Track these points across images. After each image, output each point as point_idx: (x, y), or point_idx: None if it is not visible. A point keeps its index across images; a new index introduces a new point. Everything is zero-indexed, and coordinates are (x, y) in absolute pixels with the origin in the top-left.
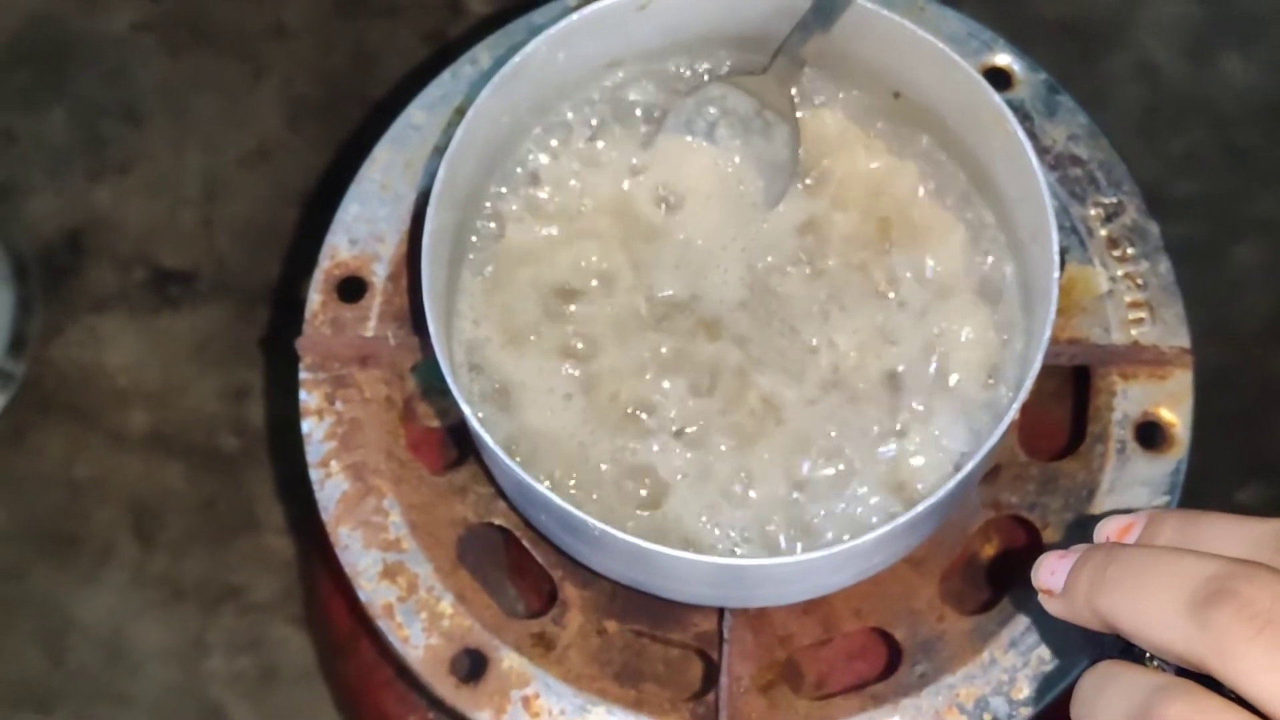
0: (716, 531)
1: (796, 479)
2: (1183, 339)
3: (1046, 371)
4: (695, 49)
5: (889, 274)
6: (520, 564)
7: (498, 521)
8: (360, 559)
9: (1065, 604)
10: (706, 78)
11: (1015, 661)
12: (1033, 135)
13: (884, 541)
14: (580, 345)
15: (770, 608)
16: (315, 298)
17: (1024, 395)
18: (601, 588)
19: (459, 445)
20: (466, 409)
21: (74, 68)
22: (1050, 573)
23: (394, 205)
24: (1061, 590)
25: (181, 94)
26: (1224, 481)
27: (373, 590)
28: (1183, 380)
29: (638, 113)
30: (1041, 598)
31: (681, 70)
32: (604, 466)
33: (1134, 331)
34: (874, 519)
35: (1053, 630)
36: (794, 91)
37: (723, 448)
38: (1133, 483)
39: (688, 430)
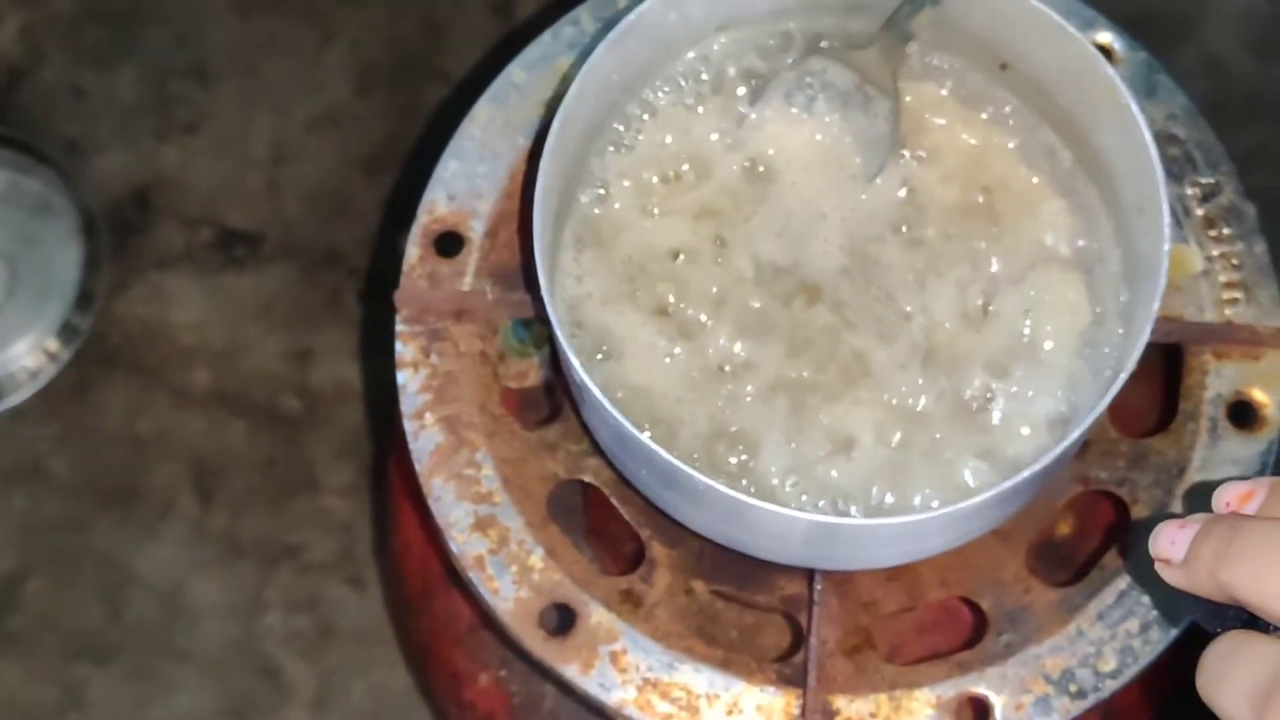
0: (805, 495)
1: (887, 443)
2: (1277, 319)
3: None
4: (803, 13)
5: (987, 244)
6: (601, 525)
7: (588, 478)
8: (452, 511)
9: (1186, 574)
10: (815, 44)
11: (1102, 634)
12: None
13: (981, 509)
14: (679, 305)
15: (857, 573)
16: (413, 251)
17: (1131, 367)
18: (689, 547)
19: (551, 403)
20: (574, 360)
21: (145, 26)
22: (1170, 542)
23: (493, 163)
24: (1183, 560)
25: (251, 56)
26: None
27: (464, 542)
28: (1277, 360)
29: (742, 79)
30: (1159, 567)
31: (791, 33)
32: (698, 424)
33: (1228, 311)
34: (965, 486)
35: (1153, 598)
36: (898, 66)
37: (816, 410)
38: (1223, 461)
39: (782, 392)
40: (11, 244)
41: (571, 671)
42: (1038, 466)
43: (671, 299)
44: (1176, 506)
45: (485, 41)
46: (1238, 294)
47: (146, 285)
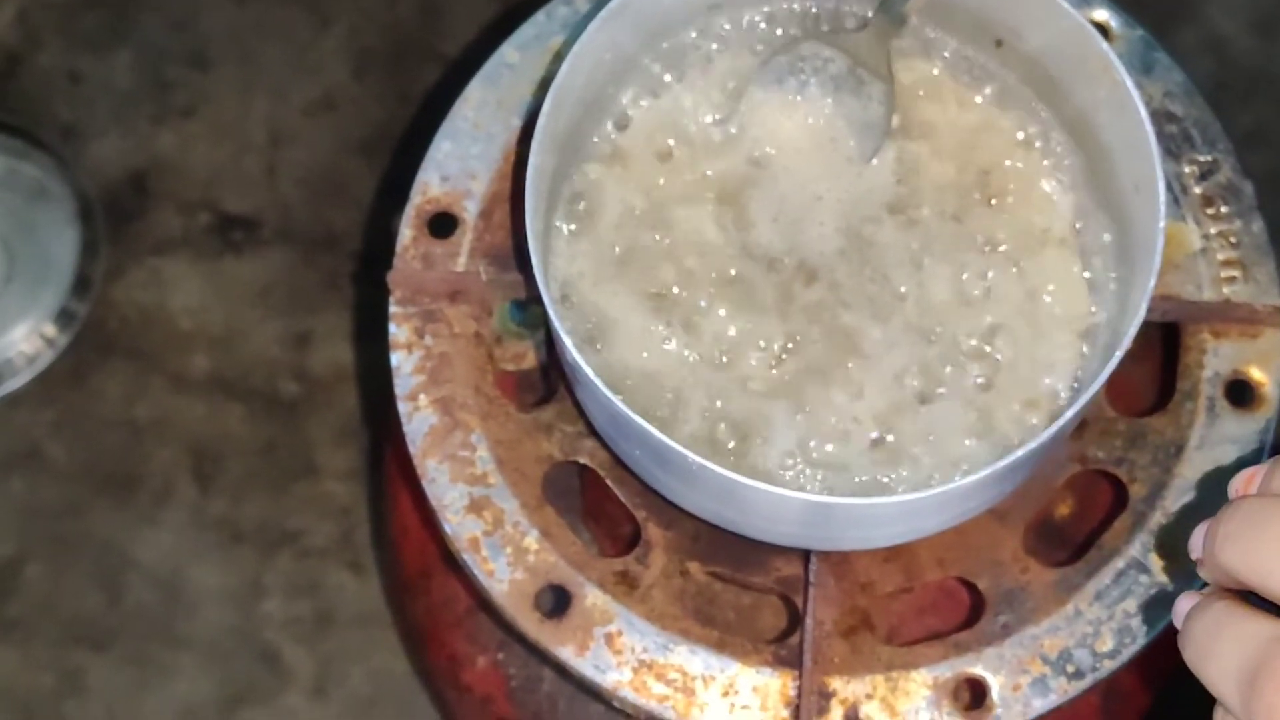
0: (804, 472)
1: (883, 422)
2: (1275, 298)
3: None
4: None
5: (982, 224)
6: (598, 507)
7: (583, 460)
8: (447, 492)
9: (1205, 568)
10: (807, 25)
11: (1100, 614)
12: None
13: (977, 488)
14: (673, 286)
15: (853, 554)
16: (406, 233)
17: (1127, 345)
18: (684, 529)
19: (546, 384)
20: (567, 340)
21: (141, 11)
22: (1196, 539)
23: (486, 143)
24: (1200, 554)
25: (248, 41)
26: None
27: (459, 523)
28: (1274, 339)
29: (735, 59)
30: (1197, 568)
31: (784, 12)
32: (692, 404)
33: (1226, 289)
34: (961, 465)
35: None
36: (891, 49)
37: (812, 391)
38: (1221, 440)
39: (777, 372)
40: (8, 229)
41: (567, 653)
42: (1033, 445)
43: (666, 280)
44: (1174, 485)
45: (482, 23)
46: (1235, 272)
47: (144, 270)
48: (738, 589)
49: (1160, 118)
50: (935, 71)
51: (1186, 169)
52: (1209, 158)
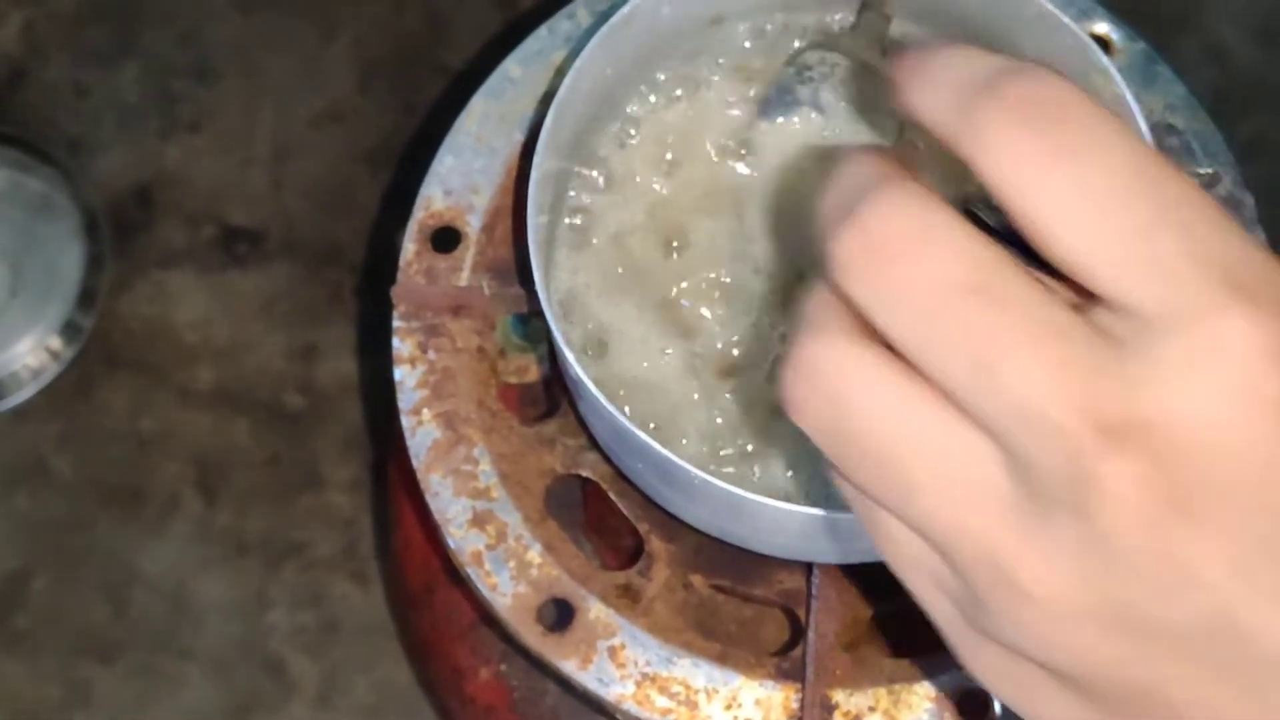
0: (806, 486)
1: None
2: None
3: None
4: (799, 3)
5: None
6: (600, 521)
7: (585, 473)
8: (450, 506)
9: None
10: (810, 37)
11: None
12: None
13: None
14: (677, 299)
15: (857, 566)
16: (409, 247)
17: None
18: (687, 542)
19: (549, 398)
20: (569, 354)
21: (147, 25)
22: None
23: (489, 158)
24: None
25: (253, 53)
26: None
27: (462, 538)
28: None
29: (739, 72)
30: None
31: (787, 24)
32: (696, 417)
33: None
34: None
35: None
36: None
37: None
38: None
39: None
40: (13, 243)
41: (570, 667)
42: None
43: (669, 292)
44: None
45: (487, 35)
46: None
47: (149, 283)
48: (740, 602)
49: (1161, 130)
50: None
51: None
52: (1210, 170)
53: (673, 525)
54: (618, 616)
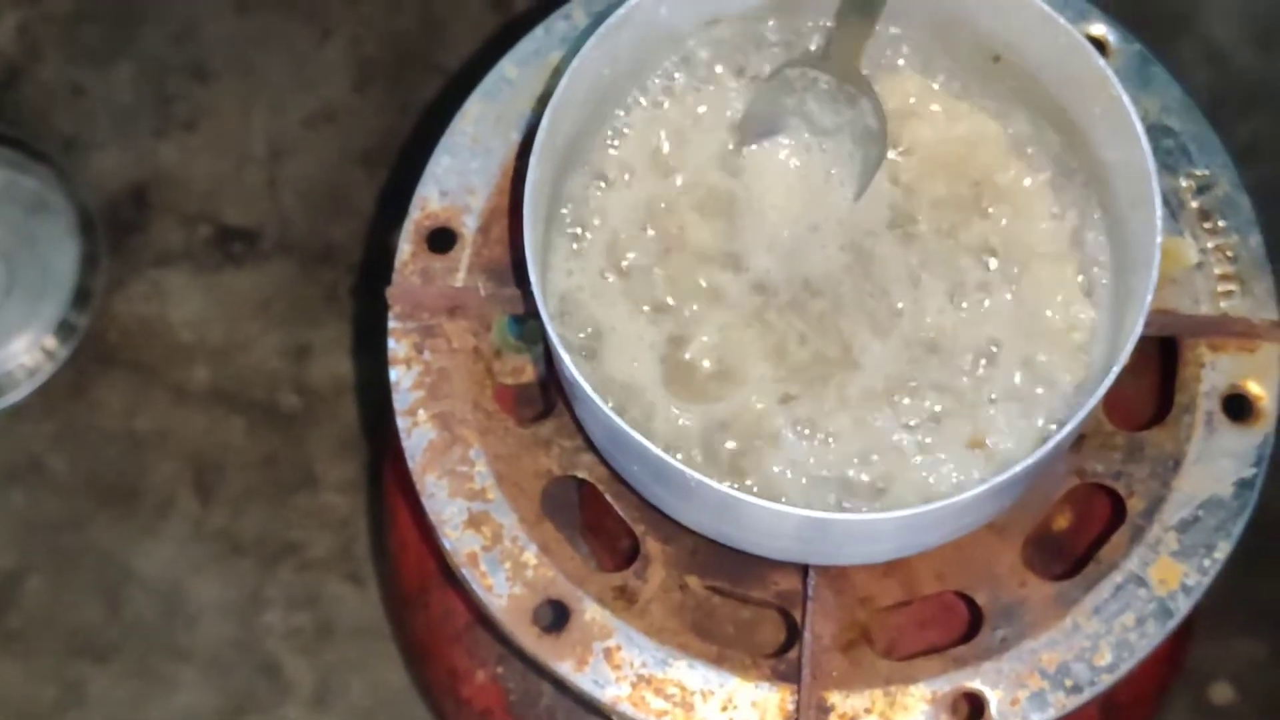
0: (801, 486)
1: (881, 438)
2: (1272, 312)
3: None
4: (794, 7)
5: (979, 238)
6: (596, 522)
7: (582, 474)
8: (445, 508)
9: None
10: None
11: (1098, 628)
12: None
13: (973, 504)
14: (671, 302)
15: (852, 568)
16: (405, 248)
17: (1124, 359)
18: (683, 543)
19: (545, 399)
20: (565, 355)
21: (142, 24)
22: None
23: (485, 158)
24: None
25: (249, 53)
26: None
27: (457, 539)
28: (1272, 353)
29: (733, 75)
30: None
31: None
32: (689, 420)
33: (1223, 304)
34: (956, 479)
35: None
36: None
37: (811, 405)
38: (1219, 454)
39: (776, 386)
40: (9, 242)
41: (565, 668)
42: (1029, 461)
43: (663, 294)
44: (1172, 499)
45: (483, 35)
46: (1233, 286)
47: (144, 283)
48: (736, 603)
49: (1157, 132)
50: (934, 86)
51: (1184, 183)
52: (1206, 172)
53: (669, 527)
54: (614, 618)
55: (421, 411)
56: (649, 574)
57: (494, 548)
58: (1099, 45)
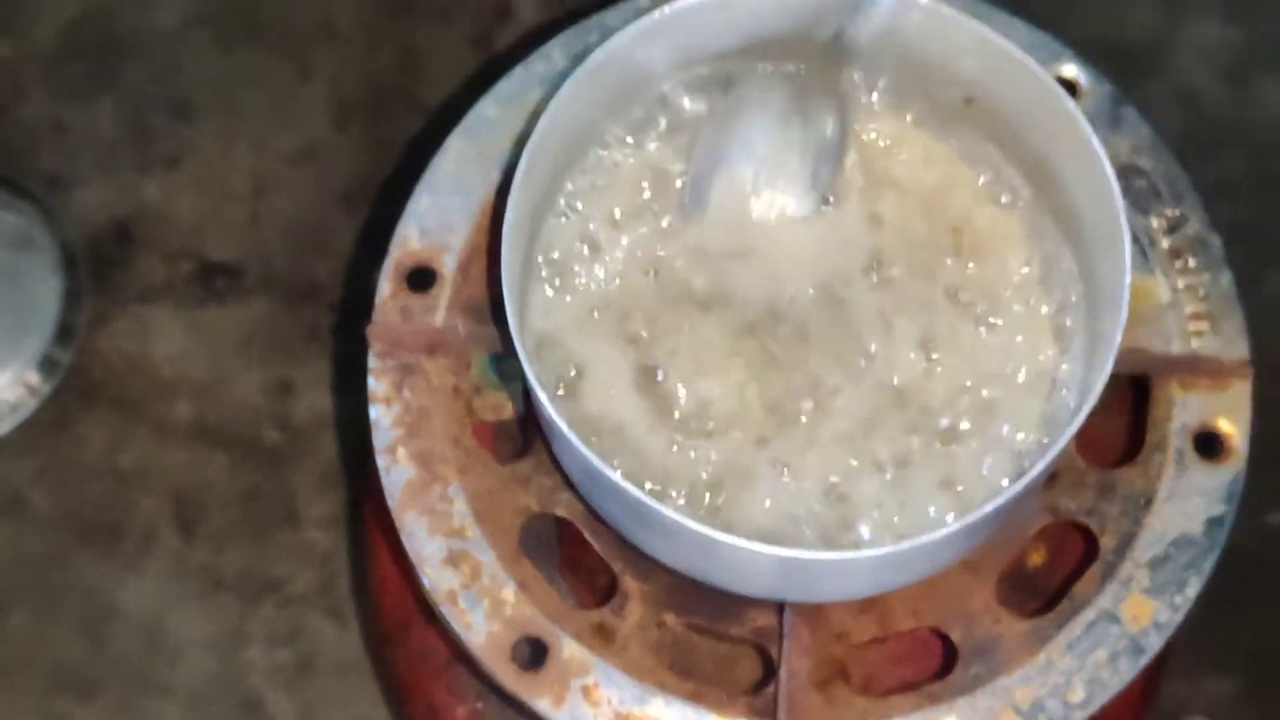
0: (776, 524)
1: (854, 477)
2: (1243, 350)
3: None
4: (771, 50)
5: (952, 280)
6: (575, 559)
7: (560, 512)
8: (425, 546)
9: None
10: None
11: (1072, 665)
12: None
13: (946, 542)
14: (649, 340)
15: (828, 605)
16: (385, 286)
17: (1094, 400)
18: (661, 581)
19: (524, 437)
20: (541, 395)
21: (125, 61)
22: None
23: (465, 197)
24: None
25: (232, 90)
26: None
27: (436, 576)
28: (1242, 391)
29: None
30: None
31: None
32: (666, 457)
33: (1194, 342)
34: (931, 519)
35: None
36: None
37: (785, 446)
38: (1190, 492)
39: (752, 427)
40: None
41: (544, 705)
42: (1000, 500)
43: (640, 333)
44: (1144, 536)
45: (464, 74)
46: (1204, 325)
47: (127, 318)
48: (714, 640)
49: (1128, 172)
50: (907, 128)
51: (1155, 223)
52: (1177, 211)
53: (646, 564)
54: (591, 655)
55: (401, 449)
56: (627, 611)
57: (473, 585)
58: (1070, 87)
